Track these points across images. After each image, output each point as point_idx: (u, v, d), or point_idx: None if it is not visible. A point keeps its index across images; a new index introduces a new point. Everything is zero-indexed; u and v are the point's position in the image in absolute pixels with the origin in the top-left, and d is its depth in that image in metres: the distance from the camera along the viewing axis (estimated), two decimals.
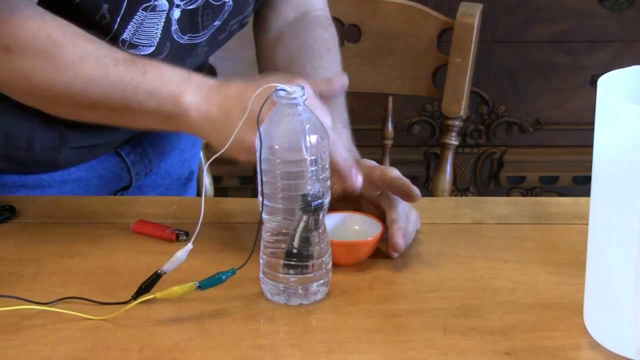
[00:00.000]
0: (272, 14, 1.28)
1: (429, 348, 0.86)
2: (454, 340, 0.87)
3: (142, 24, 1.10)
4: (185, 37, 1.16)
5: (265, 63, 1.29)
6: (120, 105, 1.03)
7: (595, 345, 0.86)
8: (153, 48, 1.13)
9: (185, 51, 1.18)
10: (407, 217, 1.03)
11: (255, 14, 1.31)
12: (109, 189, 1.32)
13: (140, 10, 1.09)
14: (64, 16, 1.05)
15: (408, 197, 1.01)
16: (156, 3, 1.10)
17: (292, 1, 1.30)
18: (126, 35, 1.10)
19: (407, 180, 1.01)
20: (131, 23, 1.09)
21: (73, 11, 1.06)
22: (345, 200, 1.05)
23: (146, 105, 1.02)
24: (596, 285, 0.87)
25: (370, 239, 1.00)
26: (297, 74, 1.19)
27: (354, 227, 1.03)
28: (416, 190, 1.01)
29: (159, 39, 1.13)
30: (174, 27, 1.14)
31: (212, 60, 1.41)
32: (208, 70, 1.49)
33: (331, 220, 1.00)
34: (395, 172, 1.02)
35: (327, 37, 1.28)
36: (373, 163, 1.07)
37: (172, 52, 1.16)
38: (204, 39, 1.18)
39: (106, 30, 1.09)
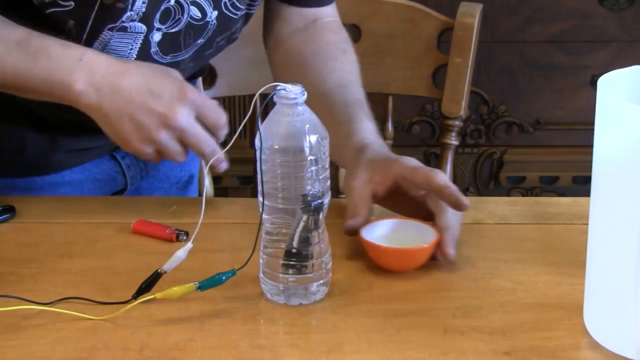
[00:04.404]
0: (282, 25, 1.28)
1: (429, 348, 0.86)
2: (454, 340, 0.87)
3: (109, 43, 1.10)
4: (168, 57, 1.16)
5: (280, 72, 1.28)
6: (18, 87, 1.06)
7: (595, 345, 0.86)
8: None
9: None
10: (458, 221, 1.01)
11: (265, 27, 1.30)
12: (104, 192, 1.31)
13: (105, 30, 1.09)
14: (37, 25, 1.05)
15: (457, 207, 0.98)
16: (127, 25, 1.09)
17: (301, 11, 1.29)
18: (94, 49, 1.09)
19: (455, 189, 0.98)
20: (97, 41, 1.09)
21: (44, 20, 1.06)
22: (387, 199, 1.03)
23: (40, 89, 1.04)
24: (596, 285, 0.87)
25: (426, 245, 0.98)
26: (313, 77, 1.19)
27: (408, 234, 1.01)
28: (465, 201, 0.98)
29: (135, 59, 1.12)
30: (154, 49, 1.13)
31: (212, 60, 1.41)
32: (208, 72, 1.49)
33: (385, 227, 1.01)
34: (441, 178, 0.99)
35: (340, 40, 1.27)
36: (415, 162, 1.03)
37: None
38: (186, 56, 1.18)
39: (76, 42, 1.08)
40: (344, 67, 1.23)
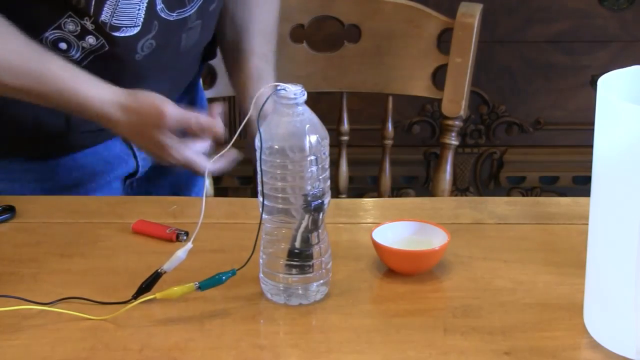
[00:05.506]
0: None
1: (429, 348, 0.86)
2: (454, 340, 0.87)
3: (118, 5, 1.11)
4: (174, 14, 1.18)
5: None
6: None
7: (595, 345, 0.86)
8: (138, 28, 1.15)
9: (176, 27, 1.19)
10: None
11: None
12: (116, 175, 1.32)
13: None
14: (44, 2, 1.06)
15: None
16: None
17: None
18: (104, 17, 1.12)
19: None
20: (106, 5, 1.11)
21: None
22: None
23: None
24: (596, 285, 0.87)
25: (437, 248, 0.99)
26: (241, 21, 1.33)
27: (418, 236, 1.01)
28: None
29: (144, 18, 1.14)
30: (159, 6, 1.15)
31: (212, 61, 1.41)
32: (208, 70, 1.50)
33: (395, 229, 1.01)
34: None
35: None
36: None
37: (161, 29, 1.17)
38: (192, 11, 1.20)
39: (84, 12, 1.10)
40: (266, 16, 1.35)
